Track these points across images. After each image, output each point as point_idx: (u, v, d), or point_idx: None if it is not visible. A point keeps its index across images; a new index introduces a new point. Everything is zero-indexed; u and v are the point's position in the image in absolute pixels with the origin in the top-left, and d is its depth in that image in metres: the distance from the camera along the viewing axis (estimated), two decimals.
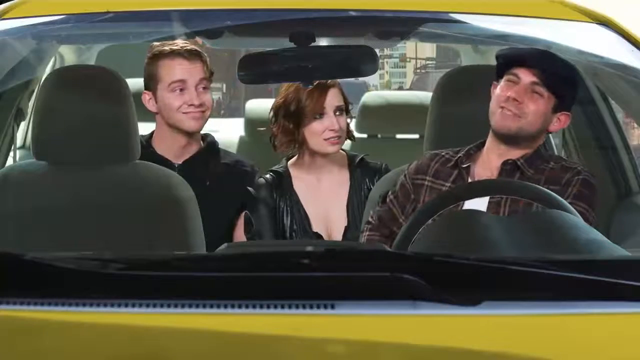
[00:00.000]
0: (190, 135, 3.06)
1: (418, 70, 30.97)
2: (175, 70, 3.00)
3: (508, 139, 2.63)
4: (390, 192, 2.78)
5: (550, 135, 3.74)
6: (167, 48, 3.00)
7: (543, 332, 1.50)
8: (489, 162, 2.68)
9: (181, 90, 2.99)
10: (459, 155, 2.71)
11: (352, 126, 3.24)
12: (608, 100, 3.27)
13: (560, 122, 2.67)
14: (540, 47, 2.66)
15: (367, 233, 2.78)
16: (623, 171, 3.28)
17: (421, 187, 2.72)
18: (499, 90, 2.65)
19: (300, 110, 2.97)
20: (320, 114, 2.96)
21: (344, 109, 3.00)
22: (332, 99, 2.97)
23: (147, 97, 3.06)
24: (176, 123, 3.02)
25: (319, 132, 2.97)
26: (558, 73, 2.61)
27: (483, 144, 2.72)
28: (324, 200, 3.05)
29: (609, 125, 3.30)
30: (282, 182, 3.05)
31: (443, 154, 2.75)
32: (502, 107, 2.61)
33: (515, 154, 2.65)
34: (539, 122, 2.63)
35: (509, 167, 2.64)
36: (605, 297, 1.56)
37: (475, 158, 2.71)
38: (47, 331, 1.50)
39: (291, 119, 2.99)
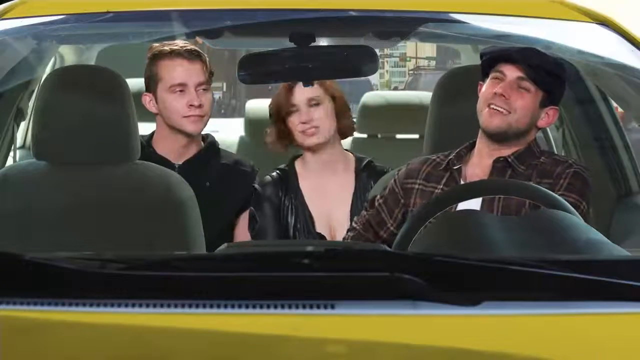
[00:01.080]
0: (190, 136, 3.05)
1: (411, 72, 31.34)
2: (175, 70, 2.99)
3: (498, 136, 2.63)
4: (379, 197, 2.78)
5: (550, 134, 3.75)
6: (167, 48, 2.99)
7: (543, 332, 1.50)
8: (480, 162, 2.68)
9: (181, 91, 2.99)
10: (449, 158, 2.71)
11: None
12: (608, 100, 3.27)
13: (548, 117, 2.67)
14: (540, 47, 2.66)
15: (350, 240, 2.78)
16: (623, 171, 3.27)
17: (411, 191, 2.72)
18: (485, 88, 2.65)
19: (279, 108, 3.07)
20: (293, 108, 3.04)
21: (319, 101, 3.03)
22: (303, 92, 3.02)
23: (147, 99, 3.05)
24: (175, 125, 3.02)
25: (295, 125, 3.04)
26: (544, 67, 2.61)
27: (473, 144, 2.72)
28: (329, 201, 3.07)
29: (609, 125, 3.30)
30: (288, 181, 3.09)
31: (434, 157, 2.76)
32: (490, 105, 2.62)
33: (506, 152, 2.65)
34: (527, 118, 2.63)
35: (500, 165, 2.64)
36: (605, 297, 1.56)
37: (466, 159, 2.71)
38: (47, 331, 1.50)
39: (279, 118, 3.08)
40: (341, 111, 3.08)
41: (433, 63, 30.40)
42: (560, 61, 2.66)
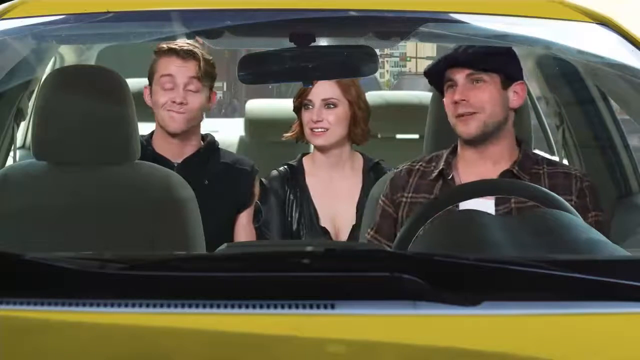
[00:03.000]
0: (183, 135, 3.06)
1: (396, 76, 32.93)
2: (167, 68, 3.05)
3: (480, 138, 2.60)
4: (372, 232, 2.73)
5: (550, 134, 3.74)
6: (164, 45, 3.04)
7: (543, 332, 1.50)
8: (472, 168, 2.65)
9: (171, 89, 3.02)
10: (439, 168, 2.68)
11: None
12: (608, 100, 3.27)
13: (518, 94, 2.63)
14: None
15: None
16: (623, 171, 3.27)
17: (400, 205, 2.69)
18: (446, 102, 2.63)
19: (298, 99, 3.10)
20: (308, 104, 3.06)
21: (334, 103, 3.04)
22: (321, 91, 3.04)
23: (146, 92, 3.12)
24: (159, 121, 3.07)
25: (305, 122, 3.08)
26: (485, 52, 2.58)
27: (455, 148, 2.69)
28: (335, 198, 3.09)
29: (609, 125, 3.30)
30: (295, 176, 3.12)
31: (417, 167, 2.72)
32: (457, 116, 2.58)
33: (495, 149, 2.62)
34: (498, 107, 2.59)
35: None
36: (605, 297, 1.56)
37: (454, 165, 2.69)
38: (47, 331, 1.50)
39: (297, 108, 3.13)
40: (357, 118, 3.08)
41: (421, 68, 31.63)
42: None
